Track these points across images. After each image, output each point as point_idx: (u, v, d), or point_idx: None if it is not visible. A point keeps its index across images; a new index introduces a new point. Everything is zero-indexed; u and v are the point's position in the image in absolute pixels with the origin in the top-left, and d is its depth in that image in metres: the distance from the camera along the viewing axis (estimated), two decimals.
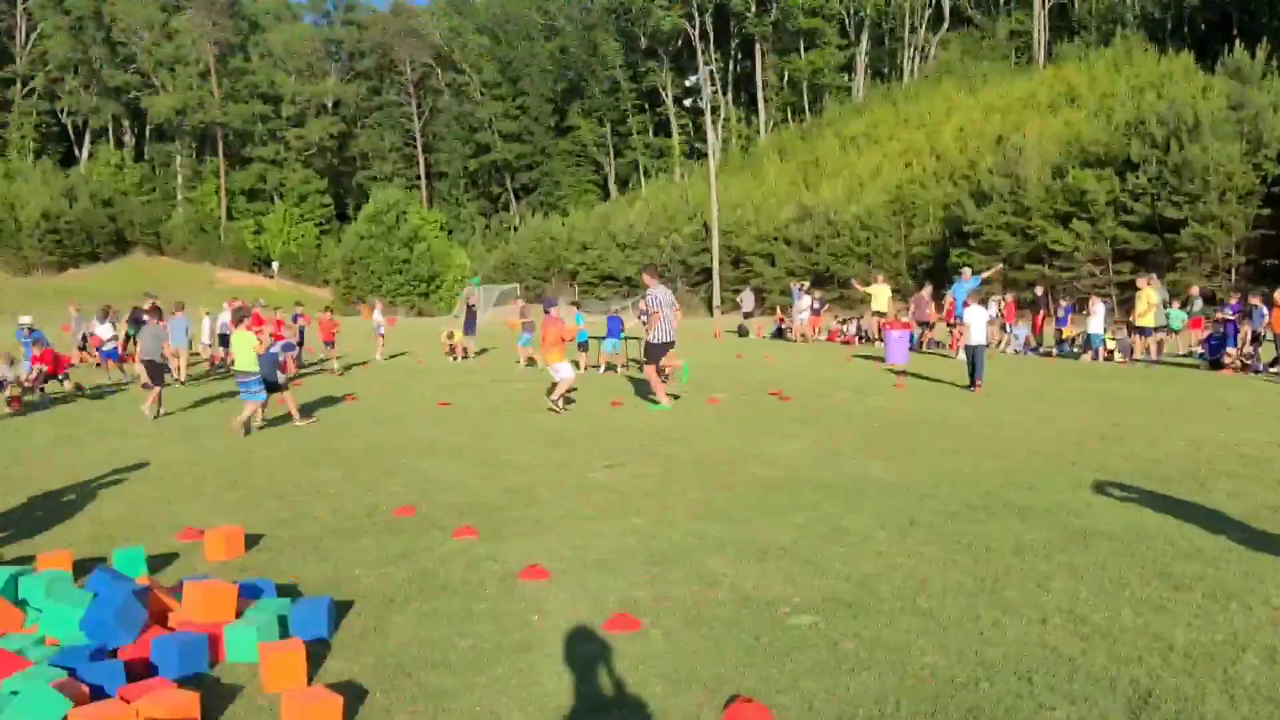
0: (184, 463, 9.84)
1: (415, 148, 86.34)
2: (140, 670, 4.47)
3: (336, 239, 74.02)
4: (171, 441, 11.24)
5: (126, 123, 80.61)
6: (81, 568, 5.98)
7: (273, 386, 12.27)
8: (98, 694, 4.20)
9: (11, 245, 62.46)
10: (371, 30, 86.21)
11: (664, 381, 13.66)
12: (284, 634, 4.90)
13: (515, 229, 74.16)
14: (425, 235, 64.40)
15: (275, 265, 73.18)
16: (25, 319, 17.61)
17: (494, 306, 48.23)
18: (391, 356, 23.36)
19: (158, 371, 13.78)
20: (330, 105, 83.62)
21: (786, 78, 71.45)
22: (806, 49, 69.93)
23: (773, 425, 11.51)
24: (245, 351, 11.86)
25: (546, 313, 14.08)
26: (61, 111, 77.97)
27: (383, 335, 23.34)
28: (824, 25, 68.86)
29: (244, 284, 64.27)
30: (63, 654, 4.45)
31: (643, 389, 14.66)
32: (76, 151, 79.65)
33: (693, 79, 51.80)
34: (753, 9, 68.10)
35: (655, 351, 13.42)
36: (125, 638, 4.62)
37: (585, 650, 4.68)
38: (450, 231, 76.85)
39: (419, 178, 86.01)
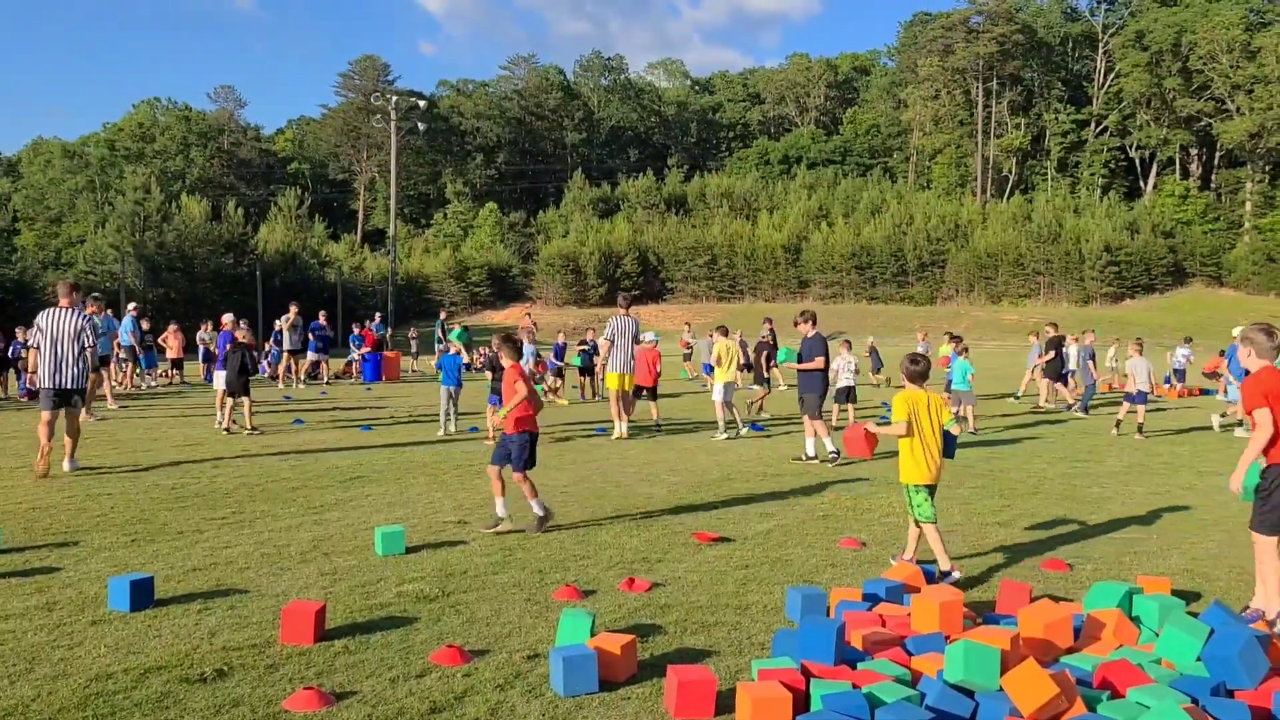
0: None
1: None
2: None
3: None
4: None
5: (1194, 151, 79.86)
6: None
7: None
8: None
9: (1075, 276, 67.01)
10: None
11: None
12: None
13: None
14: None
15: None
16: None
17: None
18: None
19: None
20: None
21: None
22: None
23: None
24: None
25: None
26: (1130, 146, 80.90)
27: None
28: None
29: None
30: (1183, 681, 4.52)
31: None
32: (1141, 184, 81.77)
33: None
34: None
35: None
36: (1247, 682, 4.49)
37: None
38: None
39: None
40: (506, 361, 8.11)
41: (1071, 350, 19.72)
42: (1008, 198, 79.25)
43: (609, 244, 70.75)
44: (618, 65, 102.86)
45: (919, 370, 6.85)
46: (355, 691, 4.52)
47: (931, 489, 6.70)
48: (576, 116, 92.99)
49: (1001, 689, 4.27)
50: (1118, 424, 15.42)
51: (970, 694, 4.34)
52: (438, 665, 4.84)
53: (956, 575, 6.56)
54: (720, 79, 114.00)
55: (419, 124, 63.35)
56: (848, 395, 15.70)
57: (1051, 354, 19.13)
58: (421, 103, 65.87)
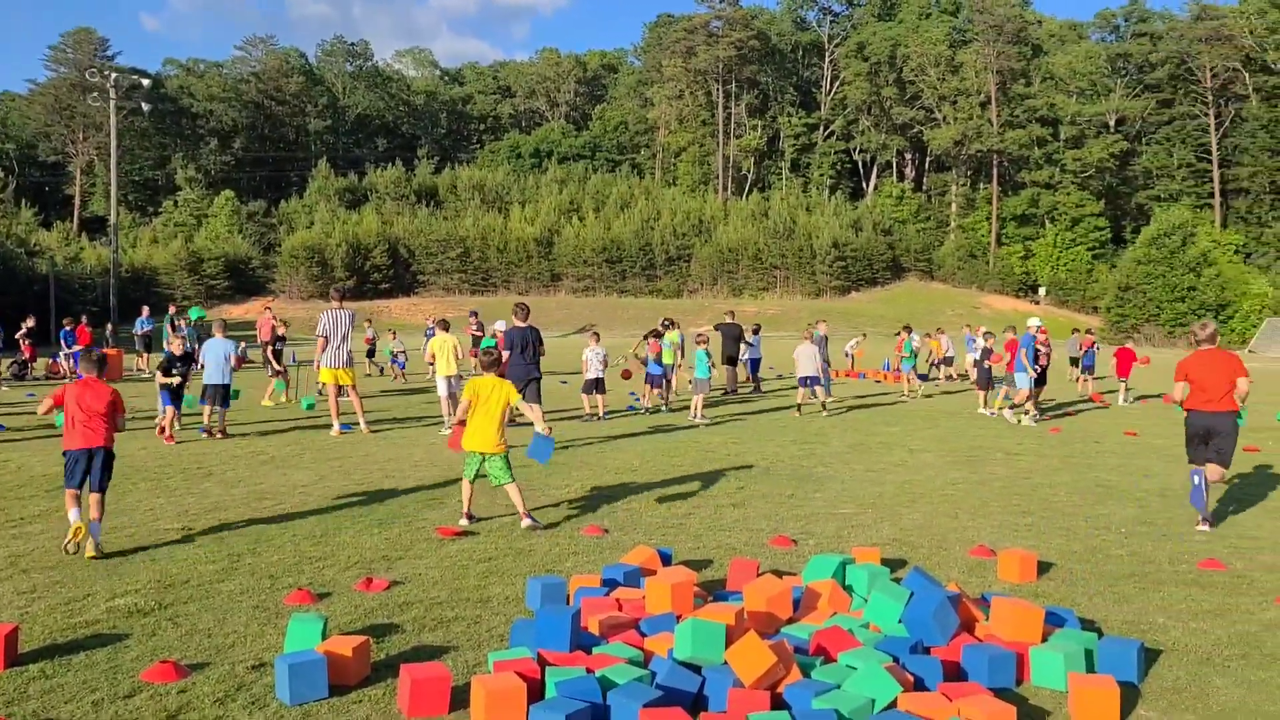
0: (969, 483, 10.25)
1: (1209, 163, 78.49)
2: (951, 672, 4.74)
3: (1110, 264, 70.75)
4: (956, 462, 11.80)
5: (909, 156, 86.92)
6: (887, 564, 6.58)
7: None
8: (919, 685, 4.56)
9: (807, 270, 71.35)
10: (1166, 40, 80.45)
11: None
12: (1089, 669, 4.80)
13: None
14: (1216, 260, 58.30)
15: (1042, 290, 72.49)
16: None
17: None
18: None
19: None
20: (1112, 123, 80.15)
21: None
22: None
23: None
24: None
25: None
26: (854, 149, 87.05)
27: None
28: None
29: (1008, 308, 64.83)
30: (886, 642, 4.92)
31: None
32: (864, 185, 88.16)
33: None
34: None
35: None
36: (940, 639, 4.94)
37: None
38: (1249, 255, 68.34)
39: (1211, 195, 78.05)
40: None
41: (753, 339, 21.53)
42: (747, 195, 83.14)
43: (357, 235, 68.39)
44: (363, 51, 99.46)
45: (485, 362, 8.28)
46: (51, 719, 4.14)
47: (489, 459, 7.93)
48: (320, 103, 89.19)
49: (726, 662, 4.48)
50: (798, 407, 17.01)
51: (698, 669, 4.53)
52: (149, 683, 4.52)
53: (465, 522, 8.01)
54: (470, 70, 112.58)
55: (143, 104, 58.52)
56: (596, 386, 15.96)
57: (719, 337, 20.72)
58: (145, 81, 60.87)
